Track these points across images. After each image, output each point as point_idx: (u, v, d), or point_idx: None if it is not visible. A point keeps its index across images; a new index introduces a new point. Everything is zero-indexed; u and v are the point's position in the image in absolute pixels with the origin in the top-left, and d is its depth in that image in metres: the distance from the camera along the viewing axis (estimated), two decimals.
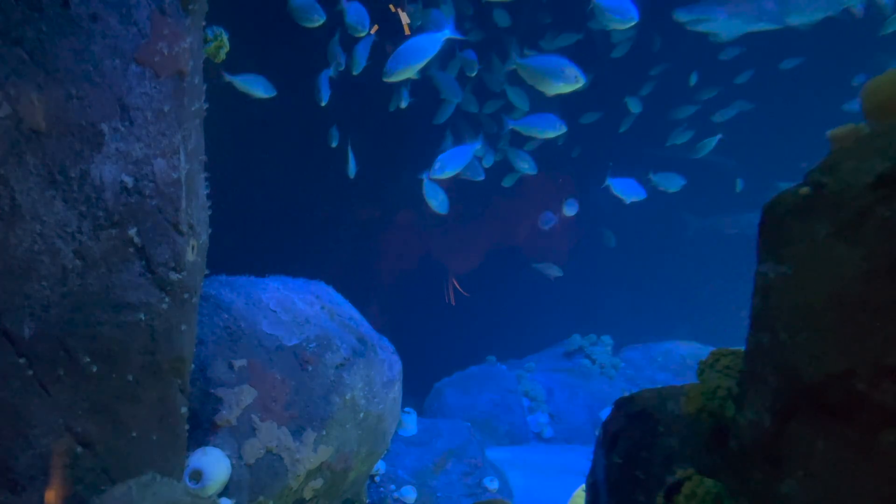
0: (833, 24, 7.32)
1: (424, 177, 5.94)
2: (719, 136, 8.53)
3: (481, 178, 7.41)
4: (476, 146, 5.91)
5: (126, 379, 2.74)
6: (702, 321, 10.24)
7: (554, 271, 9.36)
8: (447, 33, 4.94)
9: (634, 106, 8.29)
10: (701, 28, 7.25)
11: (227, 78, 5.55)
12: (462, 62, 6.63)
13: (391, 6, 5.24)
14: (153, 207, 2.71)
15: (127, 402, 2.76)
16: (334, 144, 6.65)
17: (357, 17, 5.37)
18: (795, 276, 1.54)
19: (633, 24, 5.40)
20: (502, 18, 7.94)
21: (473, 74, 6.65)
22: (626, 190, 6.97)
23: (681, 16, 7.06)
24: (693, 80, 8.34)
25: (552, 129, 6.13)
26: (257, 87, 5.61)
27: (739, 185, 9.18)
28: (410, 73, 5.17)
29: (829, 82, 8.62)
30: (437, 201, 6.36)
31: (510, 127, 6.27)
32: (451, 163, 5.75)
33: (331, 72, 6.07)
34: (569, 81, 5.06)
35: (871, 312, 1.37)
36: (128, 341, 2.71)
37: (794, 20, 7.17)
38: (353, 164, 6.75)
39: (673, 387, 2.21)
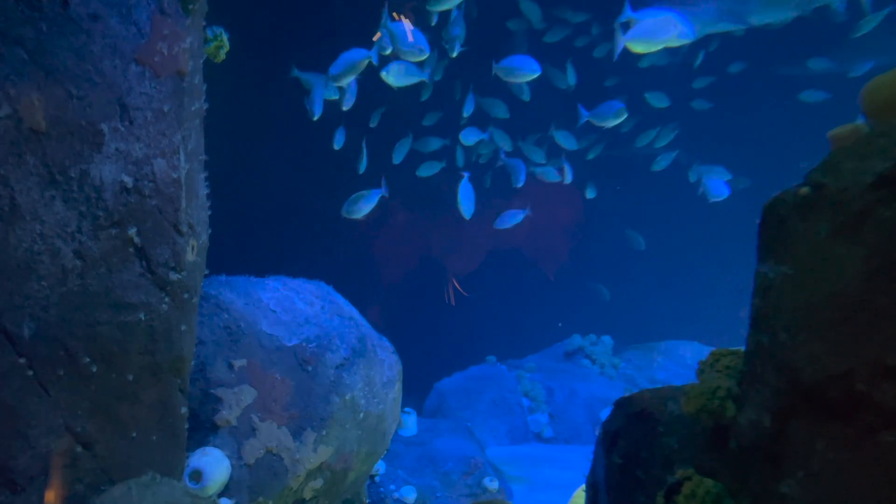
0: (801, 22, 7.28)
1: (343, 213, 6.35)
2: (677, 152, 8.60)
3: (521, 184, 7.48)
4: (382, 190, 6.21)
5: (126, 379, 2.74)
6: (702, 321, 10.24)
7: (604, 294, 9.42)
8: (372, 56, 5.14)
9: (659, 101, 8.16)
10: None
11: (295, 73, 5.52)
12: (502, 71, 6.23)
13: (394, 14, 5.22)
14: (153, 207, 2.71)
15: (127, 403, 2.76)
16: (338, 147, 6.64)
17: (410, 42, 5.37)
18: (795, 275, 1.54)
19: (687, 42, 5.32)
20: (532, 11, 7.90)
21: (532, 78, 6.24)
22: (716, 191, 7.00)
23: (638, 18, 7.03)
24: (700, 59, 8.23)
25: (618, 116, 6.33)
26: (321, 87, 5.60)
27: (746, 182, 9.12)
28: (347, 79, 5.35)
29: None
30: (466, 205, 6.45)
31: (586, 118, 6.50)
32: (358, 203, 6.26)
33: (324, 91, 6.23)
34: (674, 34, 5.06)
35: (871, 312, 1.37)
36: (128, 341, 2.71)
37: (757, 20, 7.10)
38: (364, 161, 6.80)
39: (673, 387, 2.21)
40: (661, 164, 8.76)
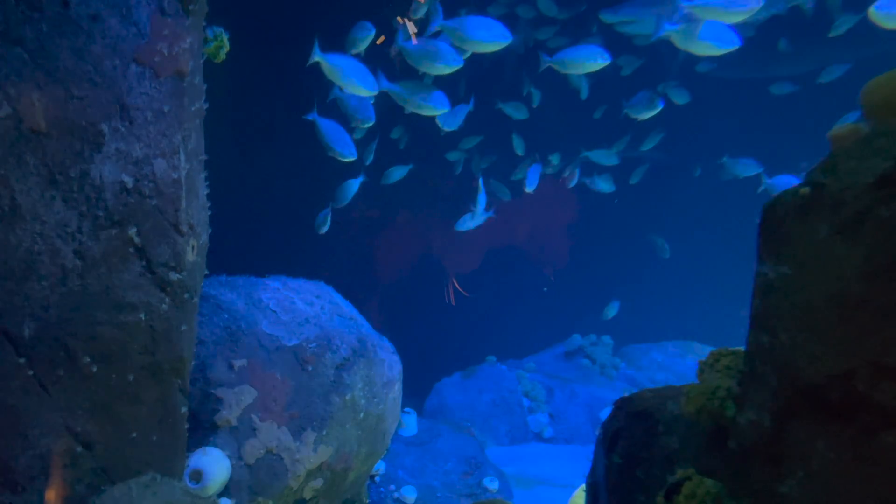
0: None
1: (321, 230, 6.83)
2: (646, 166, 8.53)
3: (533, 188, 7.43)
4: (328, 211, 6.74)
5: (126, 379, 2.74)
6: (702, 321, 10.25)
7: (612, 309, 9.38)
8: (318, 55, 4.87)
9: (680, 97, 7.96)
10: (630, 30, 7.03)
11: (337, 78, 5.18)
12: (562, 64, 5.69)
13: (398, 18, 5.16)
14: (153, 207, 2.71)
15: (127, 403, 2.76)
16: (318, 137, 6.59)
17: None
18: (795, 276, 1.54)
19: (734, 49, 4.95)
20: (549, 9, 7.82)
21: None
22: (783, 187, 6.92)
23: (607, 17, 6.91)
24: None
25: (652, 108, 6.33)
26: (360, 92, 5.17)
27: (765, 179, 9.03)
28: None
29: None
30: (480, 207, 6.59)
31: (626, 111, 6.52)
32: (318, 220, 6.85)
33: (328, 216, 6.69)
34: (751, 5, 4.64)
35: (871, 312, 1.37)
36: (128, 341, 2.71)
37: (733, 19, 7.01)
38: (371, 155, 6.80)
39: (673, 387, 2.21)
40: (637, 176, 8.80)
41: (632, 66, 8.10)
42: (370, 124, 5.82)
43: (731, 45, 4.87)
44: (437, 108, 5.19)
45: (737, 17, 4.65)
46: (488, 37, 4.81)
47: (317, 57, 4.70)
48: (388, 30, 5.42)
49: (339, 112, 5.73)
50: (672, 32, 4.84)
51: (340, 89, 5.27)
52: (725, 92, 8.93)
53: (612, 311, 9.17)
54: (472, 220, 7.11)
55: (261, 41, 7.52)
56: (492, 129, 8.38)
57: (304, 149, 8.08)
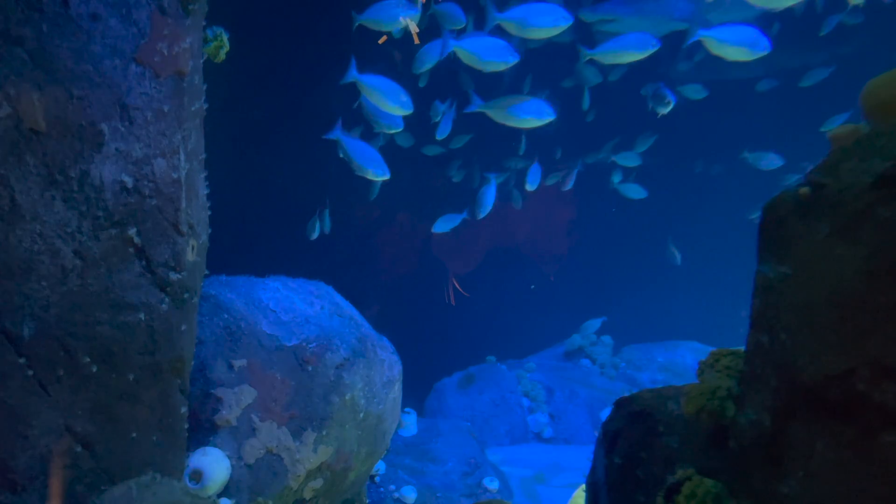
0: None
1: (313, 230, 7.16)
2: (635, 166, 8.62)
3: (534, 187, 7.38)
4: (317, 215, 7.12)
5: (126, 379, 2.74)
6: (702, 320, 10.24)
7: (596, 324, 9.37)
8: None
9: (695, 93, 7.88)
10: (609, 29, 6.95)
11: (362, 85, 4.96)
12: (607, 56, 5.41)
13: (401, 19, 5.12)
14: (153, 207, 2.71)
15: (127, 403, 2.76)
16: (341, 154, 6.56)
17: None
18: (795, 276, 1.54)
19: (765, 54, 4.84)
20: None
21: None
22: None
23: (586, 16, 6.79)
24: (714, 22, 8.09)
25: (666, 106, 6.27)
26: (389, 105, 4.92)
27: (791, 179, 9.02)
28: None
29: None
30: (484, 206, 6.66)
31: (652, 106, 6.48)
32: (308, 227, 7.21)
33: (316, 223, 6.97)
34: None
35: (871, 312, 1.37)
36: (128, 341, 2.71)
37: (716, 19, 6.90)
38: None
39: (673, 387, 2.21)
40: (632, 191, 8.86)
41: (619, 71, 8.08)
42: (398, 131, 5.74)
43: (764, 50, 4.79)
44: (538, 119, 5.09)
45: (788, 2, 4.56)
46: (550, 22, 4.65)
47: (353, 77, 4.65)
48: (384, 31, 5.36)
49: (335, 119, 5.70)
50: (706, 37, 4.75)
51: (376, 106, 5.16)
52: (720, 93, 8.95)
53: (593, 327, 9.14)
54: (449, 223, 7.12)
55: (261, 41, 7.52)
56: (481, 129, 8.36)
57: (304, 148, 8.08)
